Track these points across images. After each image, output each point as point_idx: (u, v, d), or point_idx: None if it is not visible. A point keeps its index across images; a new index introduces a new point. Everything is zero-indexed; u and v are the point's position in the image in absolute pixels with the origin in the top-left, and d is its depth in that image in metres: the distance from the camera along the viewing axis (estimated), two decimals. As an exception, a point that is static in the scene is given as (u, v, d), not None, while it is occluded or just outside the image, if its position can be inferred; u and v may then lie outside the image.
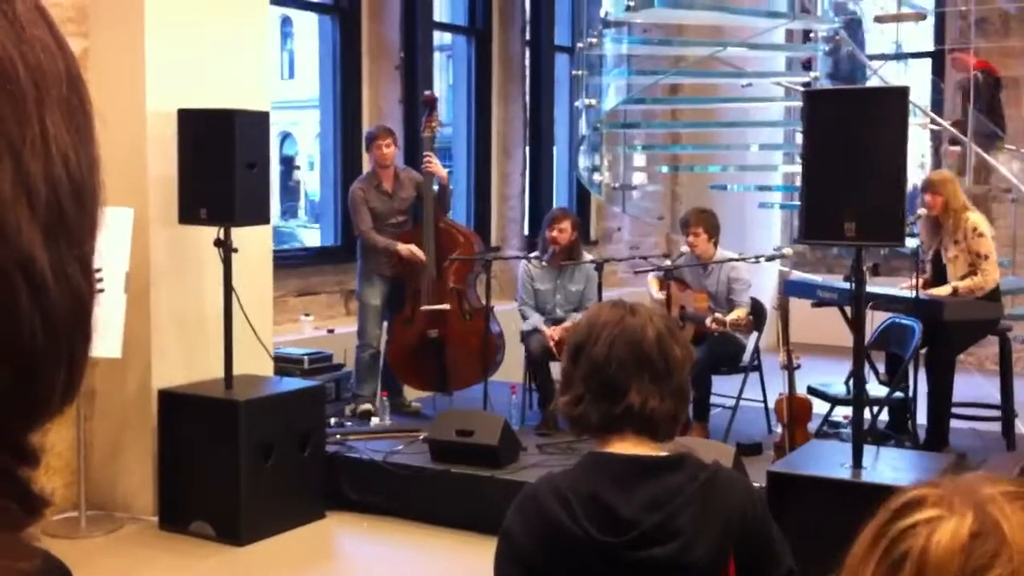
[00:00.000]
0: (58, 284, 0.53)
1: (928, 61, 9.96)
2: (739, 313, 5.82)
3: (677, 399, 1.98)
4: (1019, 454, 5.90)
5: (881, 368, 5.99)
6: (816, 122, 4.16)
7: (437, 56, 8.75)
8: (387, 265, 6.38)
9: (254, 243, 5.53)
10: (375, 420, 6.18)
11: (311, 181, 19.06)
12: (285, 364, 6.06)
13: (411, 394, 6.64)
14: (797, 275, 7.98)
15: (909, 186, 5.57)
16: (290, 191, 21.36)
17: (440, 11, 8.57)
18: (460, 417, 5.56)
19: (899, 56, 10.06)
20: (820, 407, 5.71)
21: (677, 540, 1.86)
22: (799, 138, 8.25)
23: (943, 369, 5.75)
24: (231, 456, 5.08)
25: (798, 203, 4.78)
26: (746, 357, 6.21)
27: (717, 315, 5.77)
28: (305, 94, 15.17)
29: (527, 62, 9.07)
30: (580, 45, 8.61)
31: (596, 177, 9.02)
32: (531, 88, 9.10)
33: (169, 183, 5.26)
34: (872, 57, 9.13)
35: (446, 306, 6.39)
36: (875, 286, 5.78)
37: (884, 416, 5.83)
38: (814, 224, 4.16)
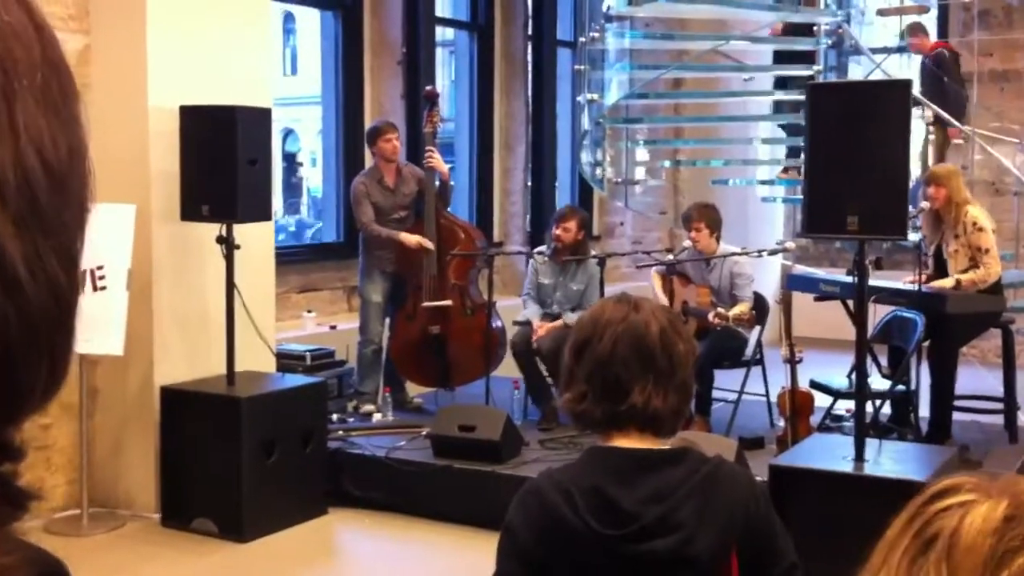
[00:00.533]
0: (33, 277, 0.52)
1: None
2: (742, 308, 5.82)
3: (680, 395, 1.97)
4: (1022, 447, 5.90)
5: (884, 361, 5.99)
6: (819, 115, 4.16)
7: (439, 52, 8.75)
8: (389, 261, 6.37)
9: (256, 240, 5.53)
10: (377, 416, 6.18)
11: (313, 177, 19.05)
12: (287, 360, 6.06)
13: (413, 390, 6.64)
14: (800, 269, 7.97)
15: (912, 179, 5.57)
16: (293, 187, 21.36)
17: (442, 6, 8.56)
18: (462, 412, 5.56)
19: (902, 49, 10.04)
20: (822, 401, 5.70)
21: (679, 533, 1.86)
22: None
23: (946, 362, 5.74)
24: (233, 453, 5.09)
25: (800, 197, 4.78)
26: (748, 351, 6.20)
27: (720, 310, 5.76)
28: (307, 90, 15.16)
29: (529, 57, 9.07)
30: (582, 40, 8.60)
31: (598, 172, 9.01)
32: (533, 83, 9.09)
33: (171, 180, 5.26)
34: (875, 50, 9.11)
35: (448, 302, 6.39)
36: (878, 279, 5.77)
37: (887, 409, 5.83)
38: (817, 218, 4.15)
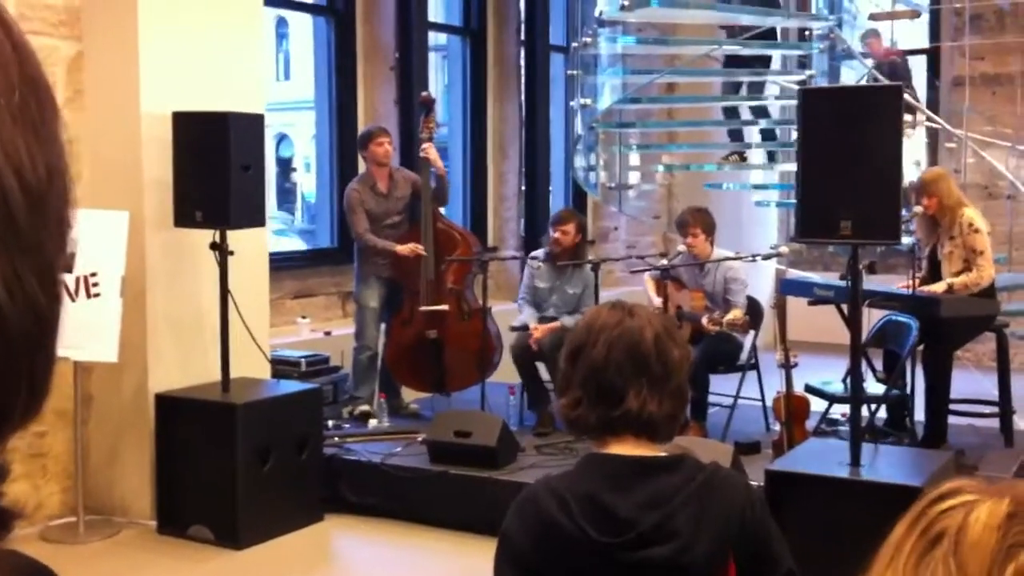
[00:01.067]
0: (12, 299, 0.51)
1: (923, 58, 9.97)
2: (735, 314, 5.82)
3: (675, 400, 1.98)
4: (1017, 450, 5.90)
5: (879, 365, 5.99)
6: (811, 120, 4.16)
7: (432, 56, 8.74)
8: (385, 267, 6.37)
9: (250, 246, 5.52)
10: (373, 422, 6.18)
11: (307, 182, 19.04)
12: (282, 367, 6.06)
13: (409, 395, 6.63)
14: (794, 273, 7.97)
15: (905, 183, 5.58)
16: (286, 193, 21.34)
17: (435, 12, 8.56)
18: (458, 418, 5.56)
19: (894, 53, 10.06)
20: (818, 405, 5.71)
21: (675, 541, 1.86)
22: (794, 135, 8.30)
23: (940, 366, 5.75)
24: (229, 459, 5.08)
25: (794, 201, 4.79)
26: (743, 356, 6.21)
27: (714, 315, 5.77)
28: (301, 95, 15.16)
29: (522, 62, 9.07)
30: (575, 44, 8.60)
31: (592, 177, 9.01)
32: (526, 88, 9.09)
33: (164, 186, 5.25)
34: (866, 54, 9.13)
35: (444, 307, 6.39)
36: (872, 283, 5.78)
37: (882, 413, 5.83)
38: (810, 223, 4.16)
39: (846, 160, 3.99)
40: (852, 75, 9.15)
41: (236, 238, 5.29)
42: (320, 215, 8.03)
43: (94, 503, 5.35)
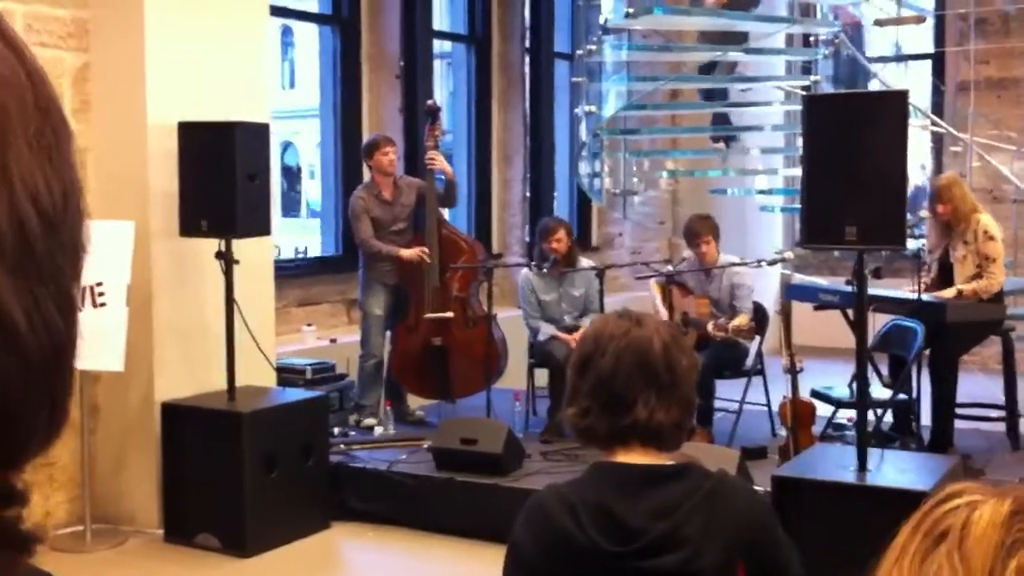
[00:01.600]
0: (32, 328, 0.52)
1: (928, 63, 9.97)
2: (741, 320, 5.82)
3: (683, 409, 1.98)
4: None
5: (884, 370, 5.99)
6: (816, 126, 4.16)
7: (437, 64, 8.76)
8: (390, 274, 6.38)
9: (255, 254, 5.53)
10: (379, 429, 6.18)
11: (312, 190, 19.07)
12: (288, 375, 6.06)
13: (414, 402, 6.64)
14: (799, 278, 7.98)
15: (910, 188, 5.58)
16: (292, 200, 21.38)
17: (439, 19, 8.58)
18: (464, 425, 5.56)
19: (899, 58, 10.07)
20: (824, 410, 5.70)
21: (684, 549, 1.86)
22: (799, 141, 8.29)
23: (946, 370, 5.74)
24: (235, 468, 5.08)
25: (799, 206, 4.78)
26: (749, 361, 6.20)
27: (720, 322, 5.76)
28: (306, 103, 15.20)
29: (527, 69, 9.08)
30: (580, 52, 8.62)
31: (596, 183, 9.02)
32: (531, 95, 9.10)
33: (170, 196, 5.27)
34: (872, 60, 9.13)
35: (450, 314, 6.39)
36: (877, 288, 5.77)
37: (888, 418, 5.83)
38: (815, 228, 4.15)
39: (851, 165, 3.99)
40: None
41: (241, 247, 5.30)
42: (325, 222, 8.05)
43: (101, 512, 5.35)
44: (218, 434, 5.17)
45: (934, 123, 8.59)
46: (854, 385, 4.87)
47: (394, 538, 5.33)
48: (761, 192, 9.05)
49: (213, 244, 5.25)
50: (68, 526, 5.28)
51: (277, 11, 6.80)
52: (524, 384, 6.49)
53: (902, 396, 5.70)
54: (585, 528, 1.87)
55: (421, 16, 7.81)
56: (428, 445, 5.63)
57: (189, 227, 5.24)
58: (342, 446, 5.83)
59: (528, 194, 9.12)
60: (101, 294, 5.01)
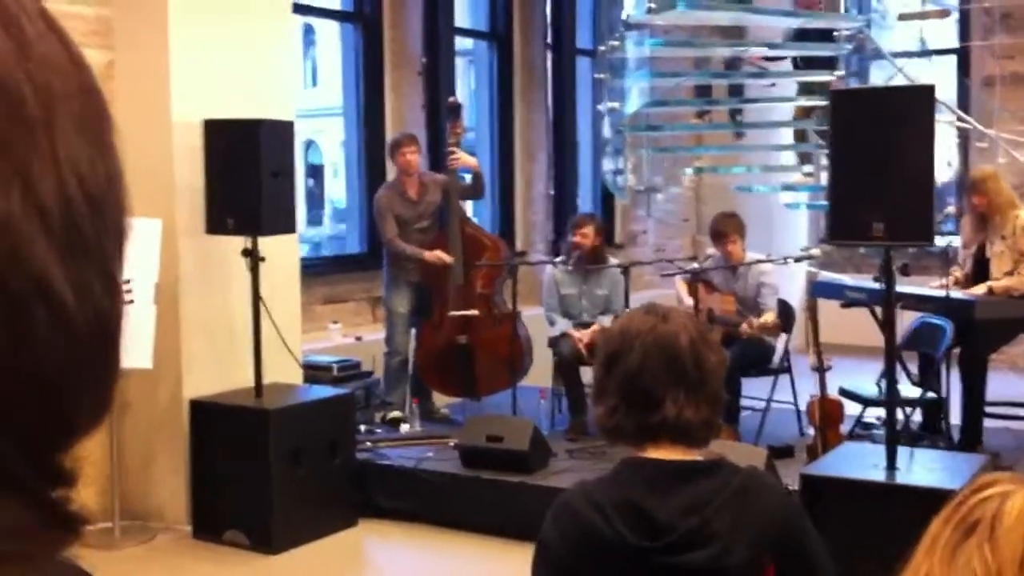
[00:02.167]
0: (80, 305, 0.52)
1: (953, 58, 9.89)
2: (767, 317, 5.80)
3: (712, 405, 1.97)
4: (1054, 452, 5.84)
5: (913, 368, 5.95)
6: (842, 122, 4.14)
7: (459, 61, 8.76)
8: (414, 271, 6.39)
9: (281, 252, 5.55)
10: (405, 427, 6.19)
11: (336, 188, 19.12)
12: (314, 372, 6.08)
13: (440, 400, 6.65)
14: (825, 275, 7.93)
15: (937, 184, 5.54)
16: (315, 199, 21.42)
17: (461, 17, 8.58)
18: (489, 423, 5.56)
19: (924, 53, 10.00)
20: (852, 408, 5.67)
21: (713, 545, 1.86)
22: (813, 136, 8.26)
23: (975, 369, 5.70)
24: (262, 465, 5.10)
25: (825, 203, 4.76)
26: (776, 359, 6.18)
27: (751, 319, 5.75)
28: (329, 102, 15.23)
29: (549, 66, 9.07)
30: (602, 48, 8.60)
31: (620, 180, 9.00)
32: (553, 92, 9.09)
33: (196, 194, 5.29)
34: (897, 55, 9.07)
35: (474, 312, 6.40)
36: (905, 285, 5.73)
37: (917, 417, 5.79)
38: (841, 225, 4.13)
39: (878, 161, 3.96)
40: (881, 75, 9.10)
41: (267, 244, 5.32)
42: (349, 220, 8.06)
43: (130, 508, 5.39)
44: (245, 431, 5.19)
45: (960, 119, 8.52)
46: (882, 383, 4.84)
47: (420, 536, 5.34)
48: (786, 188, 9.00)
49: (239, 242, 5.27)
50: (97, 522, 5.32)
51: (299, 8, 6.81)
52: (550, 382, 6.48)
53: (931, 395, 5.66)
54: (614, 525, 1.87)
55: (443, 13, 7.81)
56: (454, 443, 5.64)
57: (215, 225, 5.26)
58: (368, 443, 5.84)
59: (551, 191, 9.11)
60: (129, 291, 5.04)
